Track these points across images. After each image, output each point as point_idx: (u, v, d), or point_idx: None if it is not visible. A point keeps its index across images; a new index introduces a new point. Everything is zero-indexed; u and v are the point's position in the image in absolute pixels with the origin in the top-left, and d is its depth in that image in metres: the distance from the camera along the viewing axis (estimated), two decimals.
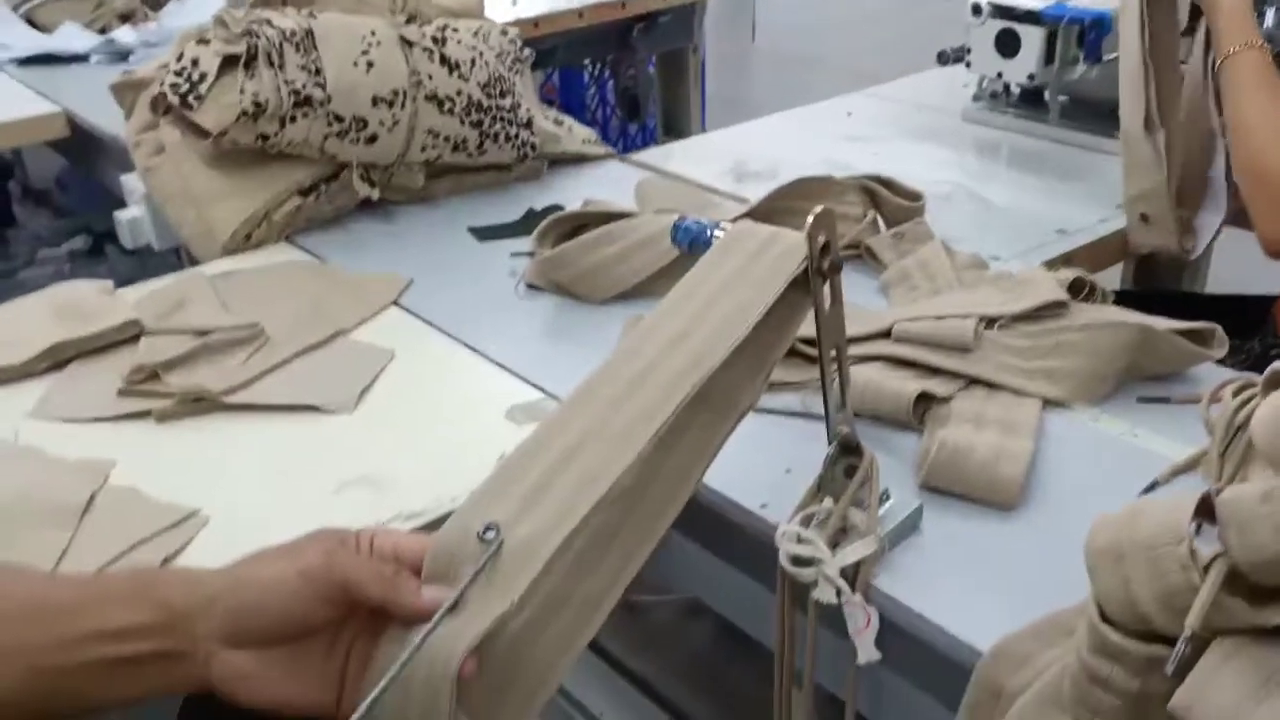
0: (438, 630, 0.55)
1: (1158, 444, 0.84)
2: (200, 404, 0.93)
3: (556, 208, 1.29)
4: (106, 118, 1.55)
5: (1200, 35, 1.23)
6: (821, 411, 0.74)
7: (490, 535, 0.57)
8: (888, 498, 0.75)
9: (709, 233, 0.94)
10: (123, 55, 1.97)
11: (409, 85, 1.26)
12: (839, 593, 0.68)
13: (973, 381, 0.87)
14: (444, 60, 1.29)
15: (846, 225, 1.13)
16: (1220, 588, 0.49)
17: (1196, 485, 0.77)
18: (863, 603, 0.68)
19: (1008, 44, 1.45)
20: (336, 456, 0.87)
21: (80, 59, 1.97)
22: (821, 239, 0.67)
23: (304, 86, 1.20)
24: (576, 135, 1.48)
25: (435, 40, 1.30)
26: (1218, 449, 0.75)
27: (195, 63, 1.22)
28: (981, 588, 0.71)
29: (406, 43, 1.27)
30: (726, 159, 1.46)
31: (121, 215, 1.40)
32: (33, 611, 0.56)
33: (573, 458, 0.60)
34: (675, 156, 1.55)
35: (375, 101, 1.24)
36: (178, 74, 1.22)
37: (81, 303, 1.06)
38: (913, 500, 0.77)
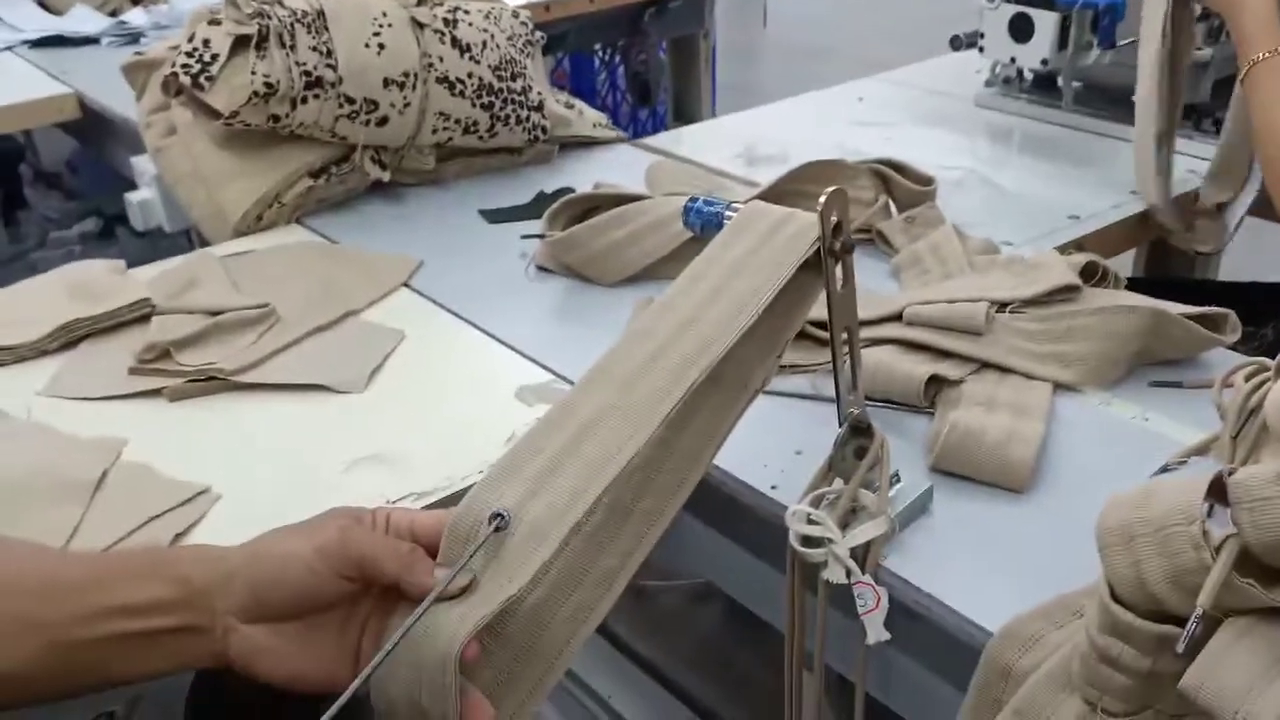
0: (450, 611, 0.55)
1: (1169, 428, 0.84)
2: (211, 383, 0.93)
3: (567, 190, 1.29)
4: (117, 100, 1.55)
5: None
6: (832, 394, 0.74)
7: (500, 521, 0.57)
8: (898, 479, 0.75)
9: (721, 214, 0.94)
10: (134, 37, 1.97)
11: (420, 67, 1.26)
12: (849, 573, 0.68)
13: (984, 365, 0.87)
14: (455, 42, 1.29)
15: (858, 209, 1.13)
16: (1232, 568, 0.49)
17: (1208, 469, 0.77)
18: (872, 583, 0.68)
19: (1021, 29, 1.45)
20: (347, 436, 0.88)
21: (91, 41, 1.97)
22: (834, 219, 0.67)
23: (315, 68, 1.20)
24: (587, 119, 1.48)
25: (446, 22, 1.29)
26: (1230, 433, 0.75)
27: (206, 44, 1.22)
28: (992, 570, 0.71)
29: (418, 24, 1.27)
30: (737, 144, 1.46)
31: (132, 197, 1.40)
32: (51, 587, 0.57)
33: (584, 439, 0.60)
34: (686, 141, 1.54)
35: (386, 83, 1.23)
36: (189, 55, 1.22)
37: (93, 282, 1.06)
38: (923, 482, 0.77)
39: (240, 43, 1.21)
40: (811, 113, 1.61)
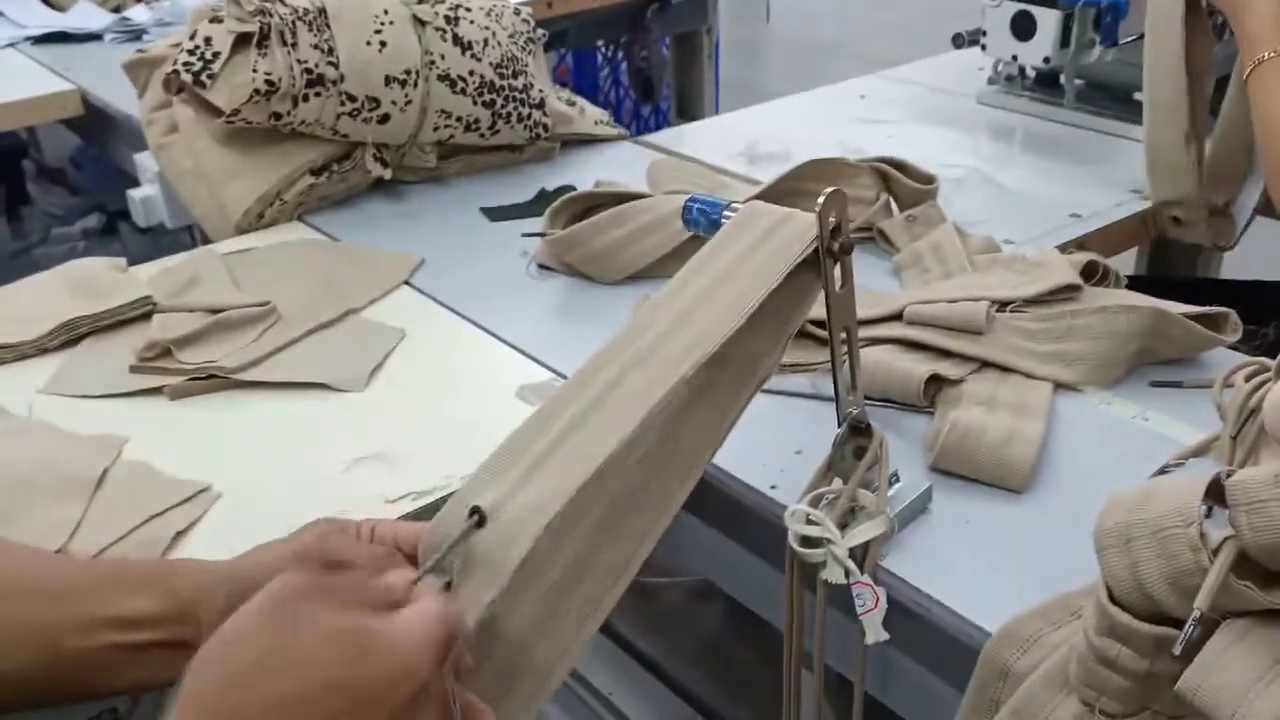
0: None
1: (1170, 428, 0.84)
2: (212, 381, 0.94)
3: (568, 188, 1.29)
4: (120, 96, 1.55)
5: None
6: (831, 393, 0.74)
7: (478, 516, 0.57)
8: (897, 479, 0.75)
9: (720, 213, 0.94)
10: (136, 34, 1.97)
11: (421, 65, 1.26)
12: (848, 573, 0.68)
13: (984, 364, 0.87)
14: (456, 40, 1.29)
15: (859, 208, 1.13)
16: (1229, 570, 0.49)
17: (1208, 469, 0.77)
18: (871, 583, 0.68)
19: (1024, 27, 1.44)
20: (347, 434, 0.88)
21: (94, 37, 1.97)
22: (832, 220, 0.67)
23: (317, 65, 1.20)
24: (589, 116, 1.48)
25: (448, 20, 1.29)
26: (1230, 433, 0.75)
27: (208, 41, 1.23)
28: (991, 569, 0.71)
29: (419, 22, 1.27)
30: (739, 141, 1.46)
31: (135, 194, 1.40)
32: (48, 592, 0.57)
33: (567, 436, 0.59)
34: (688, 138, 1.54)
35: (388, 81, 1.23)
36: (191, 52, 1.22)
37: (95, 279, 1.06)
38: (922, 481, 0.77)
39: (242, 40, 1.22)
40: (813, 110, 1.61)
